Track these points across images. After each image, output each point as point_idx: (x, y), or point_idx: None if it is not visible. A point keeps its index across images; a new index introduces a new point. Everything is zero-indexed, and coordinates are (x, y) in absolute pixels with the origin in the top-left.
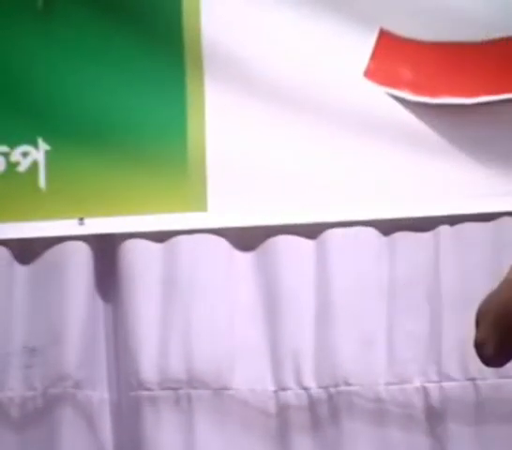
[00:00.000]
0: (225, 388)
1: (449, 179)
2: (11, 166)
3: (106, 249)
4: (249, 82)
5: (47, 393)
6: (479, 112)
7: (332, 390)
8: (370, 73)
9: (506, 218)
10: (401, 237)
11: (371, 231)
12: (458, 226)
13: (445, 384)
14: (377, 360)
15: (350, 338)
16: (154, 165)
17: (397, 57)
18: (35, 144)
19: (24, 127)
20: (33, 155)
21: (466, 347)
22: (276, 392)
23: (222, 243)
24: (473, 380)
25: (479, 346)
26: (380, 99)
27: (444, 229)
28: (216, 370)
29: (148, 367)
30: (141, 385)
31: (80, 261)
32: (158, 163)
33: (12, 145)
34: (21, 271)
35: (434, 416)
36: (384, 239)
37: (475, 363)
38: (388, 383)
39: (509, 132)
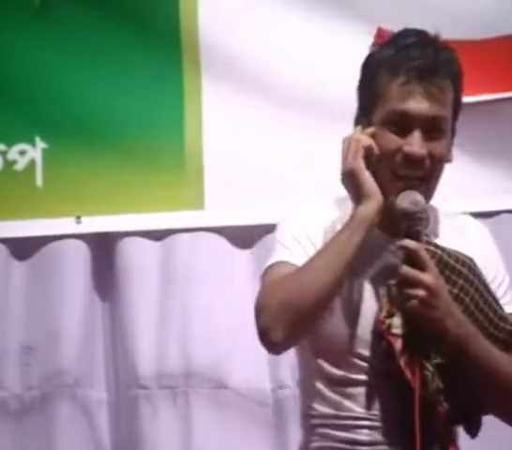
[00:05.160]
0: (222, 387)
1: (448, 177)
2: (9, 164)
3: (103, 248)
4: (247, 80)
5: (44, 391)
6: (480, 111)
7: None
8: None
9: (505, 216)
10: None
11: None
12: None
13: None
14: None
15: None
16: (151, 164)
17: None
18: (32, 143)
19: (22, 126)
20: (30, 153)
21: None
22: (273, 390)
23: (220, 241)
24: None
25: (264, 332)
26: None
27: None
28: (213, 369)
29: (146, 365)
30: (138, 384)
31: (77, 259)
32: (155, 162)
33: (10, 144)
34: (18, 269)
35: None
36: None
37: None
38: None
39: (510, 130)
